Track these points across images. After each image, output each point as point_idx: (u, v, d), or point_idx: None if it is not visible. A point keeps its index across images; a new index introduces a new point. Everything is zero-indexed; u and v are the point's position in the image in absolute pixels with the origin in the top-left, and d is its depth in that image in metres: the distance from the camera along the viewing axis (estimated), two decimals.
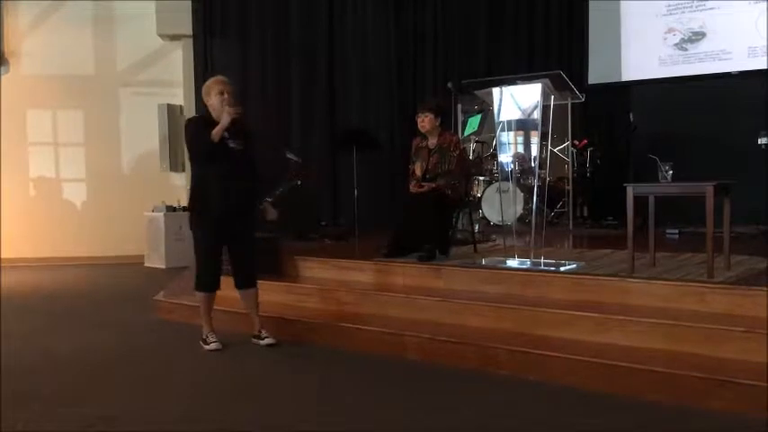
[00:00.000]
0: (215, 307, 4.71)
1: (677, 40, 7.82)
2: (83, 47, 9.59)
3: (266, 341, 4.58)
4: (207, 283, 4.57)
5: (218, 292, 4.65)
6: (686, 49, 7.76)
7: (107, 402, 3.58)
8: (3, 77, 9.42)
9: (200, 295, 4.64)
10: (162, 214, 8.88)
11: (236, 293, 4.71)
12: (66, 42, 9.46)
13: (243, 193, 4.46)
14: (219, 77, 4.62)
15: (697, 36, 7.71)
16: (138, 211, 9.13)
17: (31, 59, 9.52)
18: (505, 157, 7.11)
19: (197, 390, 3.80)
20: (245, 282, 4.63)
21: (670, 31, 7.88)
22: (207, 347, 4.54)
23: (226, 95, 4.42)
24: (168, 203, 9.00)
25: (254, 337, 4.65)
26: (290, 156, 7.43)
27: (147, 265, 9.02)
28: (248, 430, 3.18)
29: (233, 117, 4.34)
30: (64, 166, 9.70)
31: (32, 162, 9.63)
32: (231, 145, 4.42)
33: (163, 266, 8.72)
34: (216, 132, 4.31)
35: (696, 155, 6.82)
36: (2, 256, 9.01)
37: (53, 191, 9.68)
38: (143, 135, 9.54)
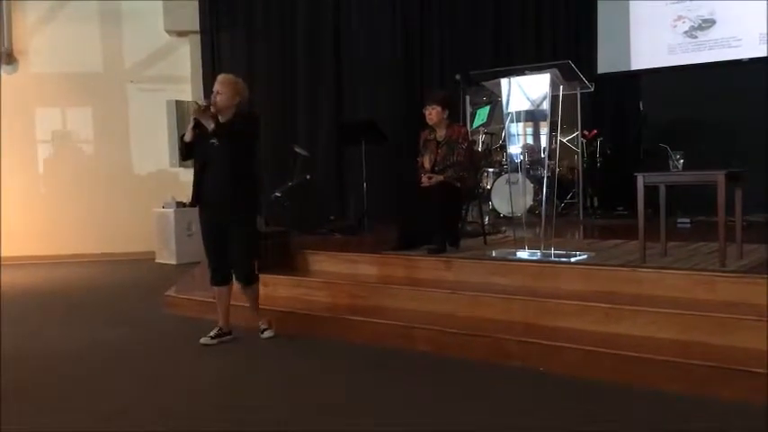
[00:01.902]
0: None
1: (687, 28, 7.74)
2: (90, 44, 9.62)
3: (266, 334, 4.62)
4: (211, 277, 4.63)
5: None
6: (696, 37, 7.69)
7: (116, 397, 3.60)
8: (12, 76, 9.47)
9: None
10: (172, 210, 8.90)
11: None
12: (74, 40, 9.49)
13: (222, 189, 4.40)
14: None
15: (707, 23, 7.63)
16: (147, 208, 9.16)
17: (39, 57, 9.56)
18: (515, 149, 7.05)
19: (205, 385, 3.81)
20: (238, 277, 4.59)
21: (679, 18, 7.80)
22: (201, 340, 4.56)
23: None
24: (178, 199, 9.02)
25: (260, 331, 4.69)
26: (298, 150, 7.43)
27: (157, 261, 9.04)
28: (255, 424, 3.18)
29: (194, 116, 4.43)
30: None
31: (42, 159, 9.67)
32: (211, 140, 4.42)
33: (173, 262, 8.74)
34: (186, 132, 4.49)
35: (707, 143, 6.76)
36: (13, 254, 9.07)
37: (63, 188, 9.72)
38: (152, 131, 9.58)
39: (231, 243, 4.51)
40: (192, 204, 4.61)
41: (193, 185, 4.53)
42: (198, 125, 4.43)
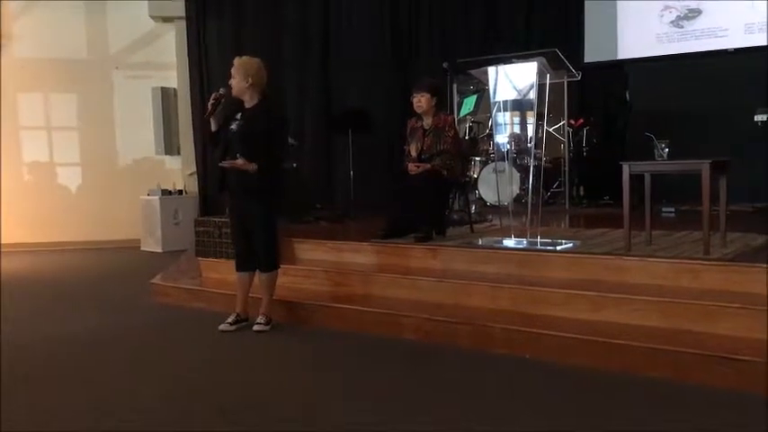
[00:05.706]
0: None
1: (673, 18, 7.77)
2: (75, 29, 9.50)
3: (256, 327, 4.52)
4: (236, 262, 4.69)
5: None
6: (682, 27, 7.72)
7: (101, 385, 3.58)
8: None
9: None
10: (157, 198, 8.86)
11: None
12: (58, 25, 9.37)
13: (243, 175, 4.37)
14: None
15: (693, 13, 7.66)
16: (133, 195, 9.10)
17: (23, 42, 9.43)
18: (501, 138, 7.08)
19: (190, 371, 3.80)
20: (259, 264, 4.59)
21: (666, 8, 7.83)
22: (220, 327, 4.56)
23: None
24: (164, 187, 8.98)
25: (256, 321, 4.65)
26: None
27: (143, 249, 9.00)
28: (231, 411, 3.18)
29: (210, 102, 4.48)
30: (57, 150, 9.66)
31: (25, 146, 9.57)
32: (231, 126, 4.45)
33: (159, 250, 8.71)
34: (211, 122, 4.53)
35: (693, 133, 6.81)
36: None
37: (47, 175, 9.64)
38: (137, 118, 9.50)
39: (252, 230, 4.54)
40: (218, 191, 4.68)
41: (218, 172, 4.57)
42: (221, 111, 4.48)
